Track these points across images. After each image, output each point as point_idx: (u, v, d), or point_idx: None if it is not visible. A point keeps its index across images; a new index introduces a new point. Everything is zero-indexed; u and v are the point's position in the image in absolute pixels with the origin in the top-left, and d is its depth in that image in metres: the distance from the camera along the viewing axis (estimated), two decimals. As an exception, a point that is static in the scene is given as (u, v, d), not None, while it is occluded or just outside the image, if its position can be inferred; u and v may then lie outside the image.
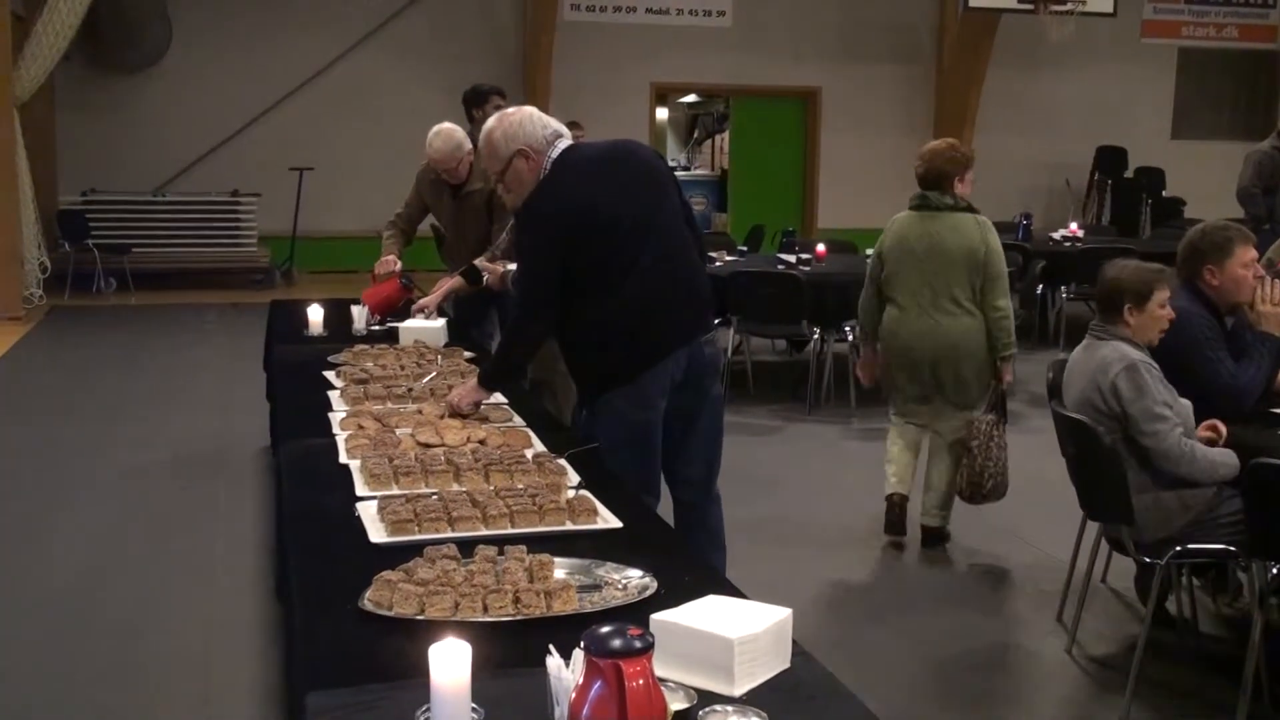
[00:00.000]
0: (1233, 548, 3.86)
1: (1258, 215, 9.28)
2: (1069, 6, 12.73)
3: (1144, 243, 11.46)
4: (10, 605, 4.74)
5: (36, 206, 12.10)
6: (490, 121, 3.86)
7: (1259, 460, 3.61)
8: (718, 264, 8.98)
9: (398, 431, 3.68)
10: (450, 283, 5.86)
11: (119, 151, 13.66)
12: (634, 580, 2.51)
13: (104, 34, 13.08)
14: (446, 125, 6.09)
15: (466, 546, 2.63)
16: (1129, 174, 15.91)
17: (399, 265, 6.04)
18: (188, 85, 13.77)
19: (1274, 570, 3.75)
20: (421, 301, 5.77)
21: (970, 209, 5.39)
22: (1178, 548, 3.88)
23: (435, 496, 2.98)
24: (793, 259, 9.07)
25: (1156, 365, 3.97)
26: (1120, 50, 16.00)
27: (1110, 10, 13.34)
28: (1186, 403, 4.01)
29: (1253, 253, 4.30)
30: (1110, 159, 16.02)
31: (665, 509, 3.91)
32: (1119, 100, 16.17)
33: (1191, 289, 4.29)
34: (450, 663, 1.88)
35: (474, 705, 1.92)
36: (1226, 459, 3.91)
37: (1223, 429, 4.01)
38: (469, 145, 6.06)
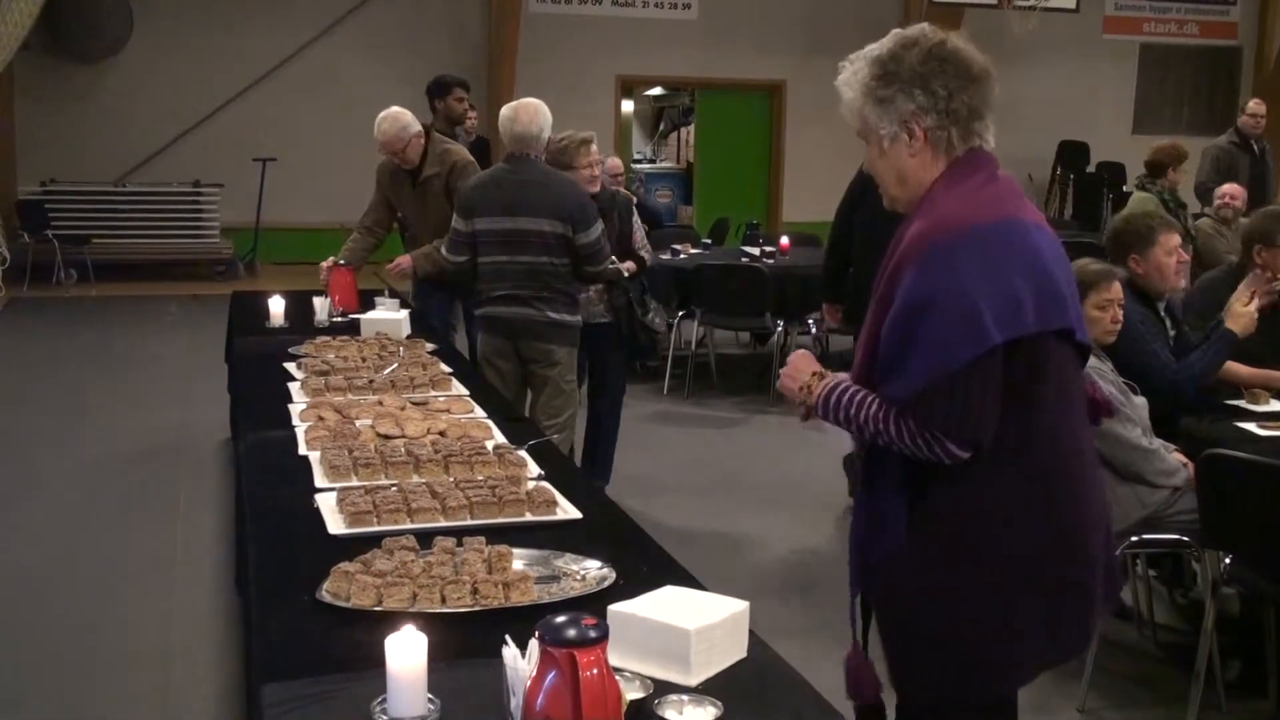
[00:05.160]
0: (1186, 539, 3.91)
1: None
2: (1032, 2, 12.82)
3: (1105, 237, 11.55)
4: (-33, 598, 4.70)
5: (-6, 197, 11.97)
6: None
7: (1212, 451, 3.66)
8: (682, 256, 9.01)
9: (358, 423, 3.67)
10: (408, 260, 6.07)
11: (79, 141, 13.51)
12: (592, 571, 2.52)
13: (64, 22, 12.93)
14: (393, 109, 6.14)
15: (425, 538, 2.63)
16: (1091, 169, 16.02)
17: (330, 261, 6.11)
18: (149, 75, 13.63)
19: (1226, 560, 3.80)
20: (400, 261, 6.09)
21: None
22: (1133, 538, 3.92)
23: (394, 488, 2.98)
24: (757, 252, 9.10)
25: (1108, 364, 4.01)
26: (1083, 46, 16.10)
27: (1073, 6, 13.45)
28: (1142, 400, 4.04)
29: (1176, 239, 4.37)
30: (1072, 154, 16.13)
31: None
32: (1081, 95, 16.28)
33: (1125, 281, 4.36)
34: (407, 653, 1.89)
35: (430, 696, 1.92)
36: (1180, 469, 3.96)
37: (1190, 464, 4.01)
38: (417, 127, 6.08)
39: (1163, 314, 4.45)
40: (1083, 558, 2.30)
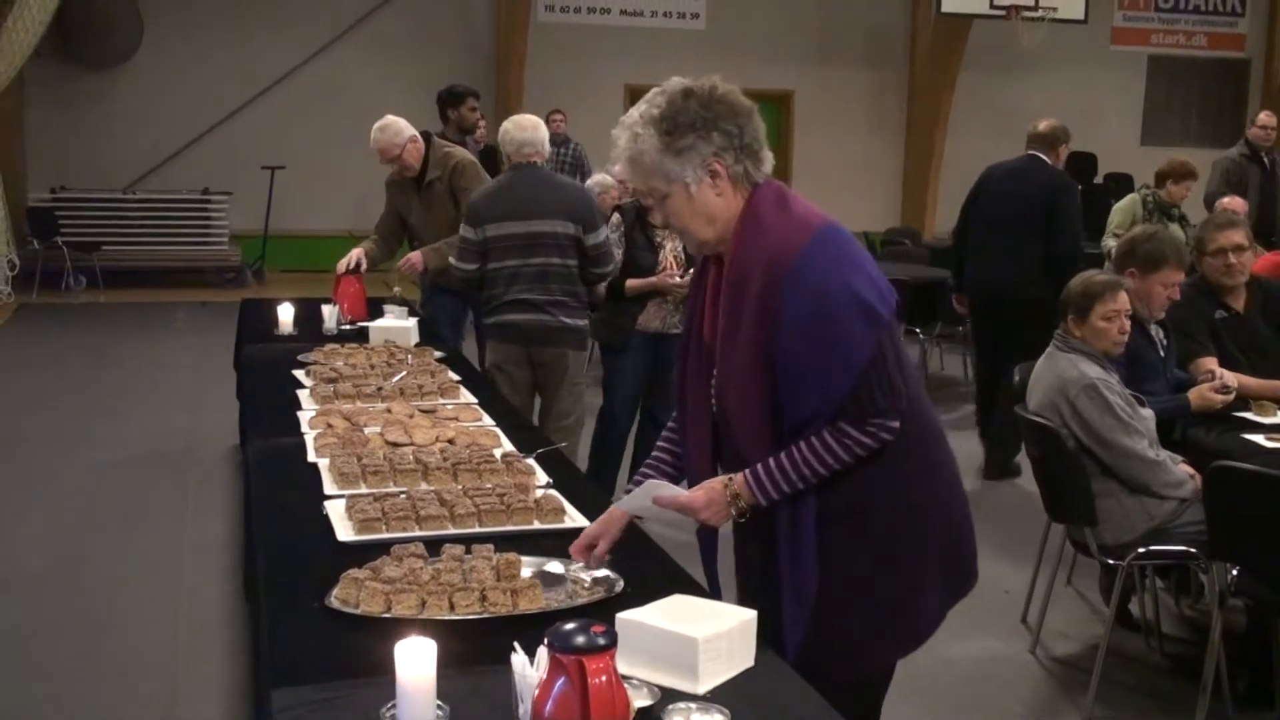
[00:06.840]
0: (1193, 550, 3.90)
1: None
2: (1040, 13, 12.82)
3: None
4: (-25, 603, 4.72)
5: (4, 203, 11.97)
6: None
7: (1219, 463, 3.65)
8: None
9: (366, 430, 3.68)
10: (418, 255, 6.02)
11: (89, 148, 13.55)
12: (600, 579, 2.53)
13: (74, 29, 12.99)
14: (388, 117, 6.19)
15: (434, 545, 2.64)
16: (1099, 179, 16.01)
17: (350, 264, 6.06)
18: (159, 82, 13.67)
19: (1233, 572, 3.80)
20: (410, 256, 6.01)
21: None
22: (1140, 550, 3.92)
23: (403, 495, 2.99)
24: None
25: (1115, 376, 4.01)
26: (1091, 57, 16.10)
27: (1081, 17, 13.44)
28: (1149, 412, 4.04)
29: (1179, 277, 4.40)
30: (1080, 164, 16.08)
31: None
32: (1089, 106, 16.27)
33: None
34: (416, 660, 1.89)
35: (439, 702, 1.93)
36: (1187, 481, 3.95)
37: (1197, 476, 4.01)
38: (410, 132, 6.10)
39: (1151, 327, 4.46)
40: (964, 505, 2.59)
